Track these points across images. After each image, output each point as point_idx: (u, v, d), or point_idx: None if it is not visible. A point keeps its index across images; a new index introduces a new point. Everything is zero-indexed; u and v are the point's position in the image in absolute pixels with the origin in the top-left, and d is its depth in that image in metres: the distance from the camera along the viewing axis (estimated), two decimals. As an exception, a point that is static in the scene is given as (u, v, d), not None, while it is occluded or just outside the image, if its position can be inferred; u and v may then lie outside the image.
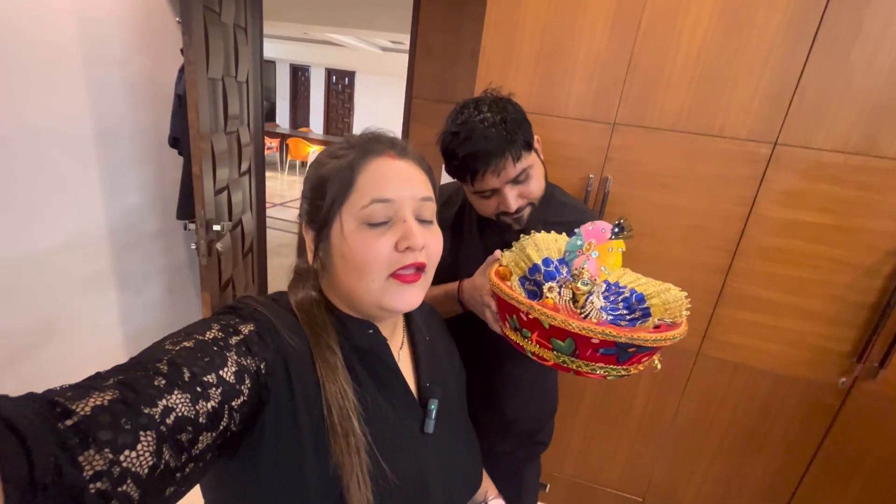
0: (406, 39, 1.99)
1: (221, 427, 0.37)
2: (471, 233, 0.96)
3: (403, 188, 0.47)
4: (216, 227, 1.72)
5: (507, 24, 1.28)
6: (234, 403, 0.38)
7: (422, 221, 0.50)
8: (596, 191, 1.34)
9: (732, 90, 1.18)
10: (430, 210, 0.51)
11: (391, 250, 0.46)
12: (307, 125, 9.29)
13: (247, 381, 0.40)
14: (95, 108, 1.60)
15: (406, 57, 2.00)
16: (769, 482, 1.48)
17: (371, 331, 0.52)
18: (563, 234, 0.77)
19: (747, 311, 1.33)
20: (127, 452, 0.30)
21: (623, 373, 0.57)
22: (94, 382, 0.32)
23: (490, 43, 1.31)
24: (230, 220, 1.97)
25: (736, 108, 1.19)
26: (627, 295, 0.69)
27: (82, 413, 0.29)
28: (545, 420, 1.10)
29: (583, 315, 0.60)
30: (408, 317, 0.63)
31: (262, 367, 0.42)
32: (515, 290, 0.63)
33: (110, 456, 0.29)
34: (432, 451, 0.54)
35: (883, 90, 1.09)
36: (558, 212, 0.93)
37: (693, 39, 1.17)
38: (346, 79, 8.92)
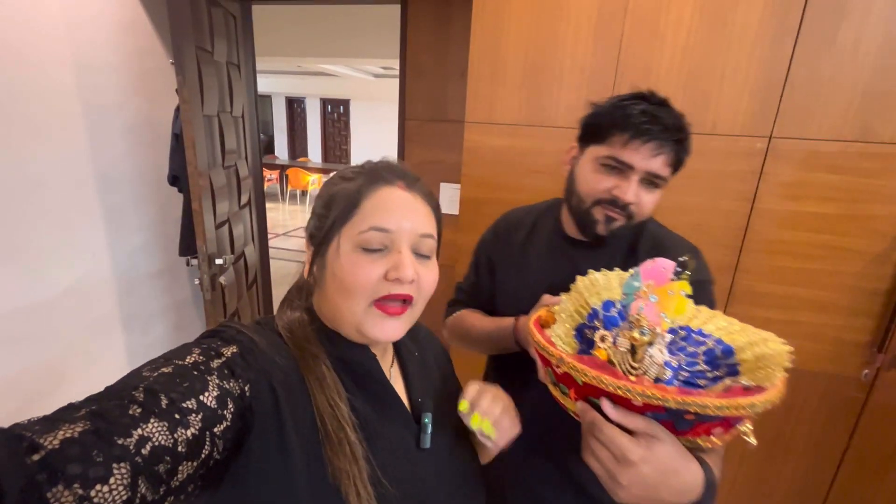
0: (396, 64, 2.02)
1: (203, 455, 0.36)
2: (538, 255, 0.86)
3: (405, 220, 0.47)
4: (219, 261, 1.73)
5: (491, 40, 1.30)
6: (216, 429, 0.37)
7: (418, 255, 0.49)
8: (594, 197, 1.33)
9: (720, 87, 1.18)
10: (429, 247, 0.50)
11: (379, 278, 0.46)
12: (305, 155, 9.42)
13: (230, 406, 0.38)
14: (95, 152, 1.63)
15: (398, 81, 2.03)
16: (800, 485, 1.42)
17: (360, 347, 0.51)
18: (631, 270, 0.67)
19: (760, 307, 1.30)
20: (98, 487, 0.29)
21: (687, 445, 0.47)
22: (65, 414, 0.31)
23: (477, 60, 1.33)
24: (232, 253, 1.97)
25: (726, 104, 1.19)
26: (711, 346, 0.55)
27: (50, 447, 0.28)
28: None
29: (640, 372, 0.49)
30: None
31: (246, 388, 0.40)
32: (561, 341, 0.55)
33: (80, 491, 0.28)
34: (431, 467, 0.52)
35: (872, 74, 1.09)
36: (647, 239, 0.80)
37: (677, 39, 1.17)
38: (342, 107, 9.09)
